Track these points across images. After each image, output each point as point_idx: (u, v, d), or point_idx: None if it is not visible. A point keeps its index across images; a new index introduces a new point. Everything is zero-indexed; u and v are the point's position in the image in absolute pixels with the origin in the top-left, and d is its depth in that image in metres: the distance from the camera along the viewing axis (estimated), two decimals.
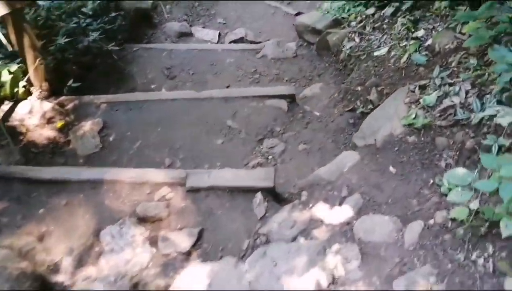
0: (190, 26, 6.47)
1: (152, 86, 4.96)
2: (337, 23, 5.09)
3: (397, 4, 4.38)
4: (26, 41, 3.75)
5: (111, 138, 3.85)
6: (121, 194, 3.00)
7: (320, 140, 3.75)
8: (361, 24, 4.70)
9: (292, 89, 4.17)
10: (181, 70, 5.19)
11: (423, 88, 3.23)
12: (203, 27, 6.49)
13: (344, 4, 5.22)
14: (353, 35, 4.67)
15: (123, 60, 5.27)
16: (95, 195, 3.00)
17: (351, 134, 3.67)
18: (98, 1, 5.41)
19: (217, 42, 6.11)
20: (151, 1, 6.60)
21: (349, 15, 4.98)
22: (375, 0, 4.76)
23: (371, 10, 4.73)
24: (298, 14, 6.58)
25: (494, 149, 2.40)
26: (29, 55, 3.82)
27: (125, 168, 3.42)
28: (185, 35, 6.21)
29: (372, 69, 4.03)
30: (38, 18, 4.55)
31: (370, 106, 3.72)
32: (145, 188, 3.02)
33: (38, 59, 3.83)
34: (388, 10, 4.44)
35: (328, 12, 5.27)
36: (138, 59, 5.34)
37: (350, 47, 4.55)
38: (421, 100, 3.09)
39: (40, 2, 4.81)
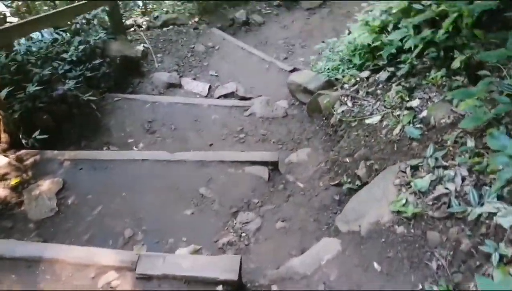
0: (180, 77, 6.20)
1: (129, 141, 4.62)
2: (330, 84, 4.78)
3: (392, 69, 4.09)
4: None
5: (69, 201, 3.45)
6: (60, 276, 2.56)
7: (301, 217, 3.33)
8: (355, 87, 4.39)
9: (276, 156, 3.79)
10: (163, 125, 4.86)
11: (415, 168, 2.86)
12: (194, 79, 6.21)
13: (339, 65, 4.93)
14: (345, 99, 4.35)
15: (102, 111, 4.95)
16: (30, 276, 2.57)
17: (336, 213, 3.27)
18: (83, 46, 5.15)
19: (207, 96, 5.82)
20: (142, 49, 6.37)
21: (343, 76, 4.68)
22: (370, 63, 4.48)
23: (365, 74, 4.43)
24: (293, 71, 6.32)
25: (494, 259, 2.00)
26: None
27: (71, 245, 3.00)
28: (173, 87, 5.92)
29: (362, 139, 3.68)
30: (11, 62, 4.26)
31: (358, 182, 3.34)
32: (90, 270, 2.58)
33: None
34: (383, 75, 4.14)
35: (321, 72, 4.97)
36: (118, 111, 5.02)
37: (342, 112, 4.22)
38: (412, 184, 2.71)
39: (17, 47, 4.56)
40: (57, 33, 5.35)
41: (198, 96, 5.81)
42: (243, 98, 5.68)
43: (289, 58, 7.13)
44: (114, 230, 3.24)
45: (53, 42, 5.24)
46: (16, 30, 4.01)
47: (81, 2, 5.15)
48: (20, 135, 3.93)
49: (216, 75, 6.37)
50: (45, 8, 6.35)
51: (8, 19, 6.17)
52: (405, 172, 2.89)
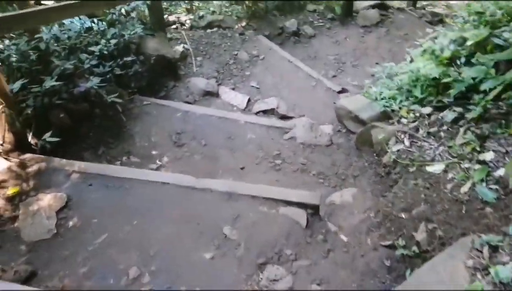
0: (219, 85, 5.66)
1: (153, 152, 4.11)
2: (385, 115, 4.14)
3: (460, 109, 3.45)
4: None
5: (70, 223, 2.92)
6: None
7: (341, 281, 2.70)
8: (414, 124, 3.75)
9: (317, 198, 3.17)
10: (193, 138, 4.32)
11: (494, 248, 2.21)
12: (233, 89, 5.66)
13: (396, 94, 4.29)
14: (402, 136, 3.71)
15: (128, 114, 4.45)
16: None
17: (384, 283, 2.65)
18: (116, 40, 4.66)
19: (244, 109, 5.25)
20: (181, 50, 5.86)
21: (399, 108, 4.06)
22: (433, 98, 3.85)
23: (427, 110, 3.79)
24: (341, 92, 5.72)
25: None
26: None
27: (64, 276, 2.46)
28: (209, 95, 5.38)
29: (422, 192, 3.04)
30: (31, 51, 3.81)
31: (416, 249, 2.71)
32: None
33: (1, 105, 2.99)
34: (449, 115, 3.50)
35: (376, 99, 4.35)
36: (145, 116, 4.51)
37: (397, 151, 3.59)
38: (491, 271, 2.06)
39: (44, 33, 4.10)
40: (92, 21, 4.90)
41: (235, 108, 5.26)
42: (283, 116, 5.09)
43: (338, 77, 6.51)
44: (117, 266, 2.69)
45: (85, 31, 4.80)
46: (43, 15, 3.53)
47: None
48: (29, 136, 3.45)
49: (257, 87, 5.80)
50: None
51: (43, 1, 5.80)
52: (481, 251, 2.24)
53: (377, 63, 6.77)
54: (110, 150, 4.02)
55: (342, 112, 4.67)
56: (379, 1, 8.31)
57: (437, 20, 8.47)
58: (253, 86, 5.81)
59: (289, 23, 7.33)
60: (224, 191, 3.12)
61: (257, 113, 5.14)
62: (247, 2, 7.44)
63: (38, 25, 3.85)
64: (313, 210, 3.12)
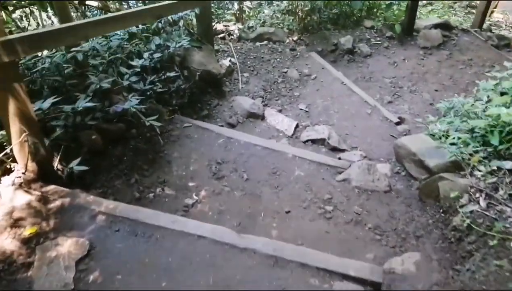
0: (265, 105, 5.21)
1: (190, 184, 3.69)
2: (455, 165, 3.60)
3: None
4: (12, 106, 2.55)
5: (91, 277, 2.51)
6: None
7: None
8: (492, 180, 3.19)
9: (379, 274, 2.66)
10: (234, 170, 3.88)
11: None
12: (280, 111, 5.21)
13: (467, 139, 3.74)
14: (477, 195, 3.15)
15: (166, 136, 4.07)
16: None
17: None
18: (159, 55, 4.27)
19: (291, 136, 4.78)
20: (228, 64, 5.44)
21: (470, 155, 3.50)
22: None
23: (509, 164, 3.22)
24: (399, 123, 5.18)
25: None
26: (14, 126, 2.62)
27: None
28: (254, 117, 4.93)
29: (508, 277, 2.50)
30: (66, 65, 3.45)
31: None
32: None
33: (24, 134, 2.61)
34: None
35: (440, 139, 3.82)
36: (185, 140, 4.10)
37: (471, 212, 3.03)
38: None
39: (85, 45, 3.74)
40: (137, 27, 4.54)
41: (281, 134, 4.79)
42: (334, 148, 4.59)
43: (394, 103, 5.95)
44: None
45: (127, 39, 4.43)
46: (83, 30, 3.13)
47: (169, 2, 4.25)
48: (56, 160, 3.07)
49: (306, 111, 5.32)
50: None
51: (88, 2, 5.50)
52: None
53: (436, 90, 6.21)
54: (144, 178, 3.62)
55: (403, 153, 4.14)
56: (443, 21, 7.69)
57: (504, 44, 7.81)
58: (302, 109, 5.34)
59: (344, 40, 6.81)
60: (270, 254, 2.65)
61: (305, 142, 4.67)
62: (300, 13, 6.96)
63: (83, 40, 3.47)
64: (373, 288, 2.63)
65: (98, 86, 3.42)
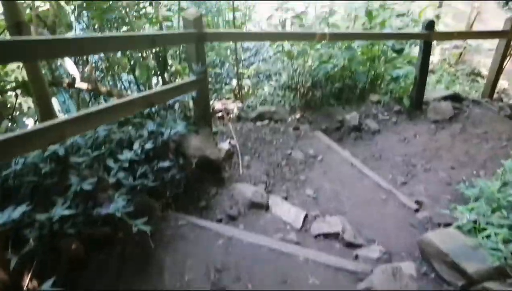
0: (268, 192, 4.72)
1: None
2: (499, 272, 3.07)
3: None
4: None
5: None
6: None
7: None
8: None
9: None
10: (236, 279, 3.32)
11: None
12: (285, 198, 4.71)
13: (509, 235, 3.23)
14: None
15: (158, 238, 3.55)
16: None
17: None
18: (151, 145, 3.83)
19: (300, 229, 4.24)
20: (227, 148, 5.01)
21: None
22: None
23: None
24: (418, 210, 4.67)
25: None
26: None
27: None
28: (257, 207, 4.41)
29: None
30: (42, 165, 2.99)
31: None
32: None
33: None
34: None
35: (475, 236, 3.30)
36: (179, 242, 3.57)
37: None
38: None
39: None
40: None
41: (288, 227, 4.26)
42: (350, 244, 4.04)
43: (408, 183, 5.47)
44: None
45: (117, 126, 4.02)
46: (68, 127, 2.69)
47: (163, 88, 3.86)
48: (27, 278, 2.54)
49: (314, 197, 4.82)
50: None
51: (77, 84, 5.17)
52: None
53: (453, 168, 5.76)
54: None
55: (430, 251, 3.61)
56: (452, 92, 7.40)
57: None
58: (309, 195, 4.84)
59: (350, 116, 6.45)
60: None
61: (316, 236, 4.13)
62: (301, 89, 6.64)
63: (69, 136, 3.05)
64: None
65: (79, 189, 2.93)
